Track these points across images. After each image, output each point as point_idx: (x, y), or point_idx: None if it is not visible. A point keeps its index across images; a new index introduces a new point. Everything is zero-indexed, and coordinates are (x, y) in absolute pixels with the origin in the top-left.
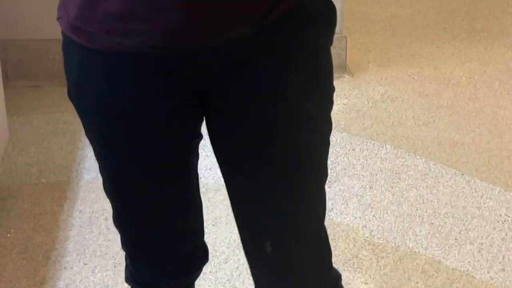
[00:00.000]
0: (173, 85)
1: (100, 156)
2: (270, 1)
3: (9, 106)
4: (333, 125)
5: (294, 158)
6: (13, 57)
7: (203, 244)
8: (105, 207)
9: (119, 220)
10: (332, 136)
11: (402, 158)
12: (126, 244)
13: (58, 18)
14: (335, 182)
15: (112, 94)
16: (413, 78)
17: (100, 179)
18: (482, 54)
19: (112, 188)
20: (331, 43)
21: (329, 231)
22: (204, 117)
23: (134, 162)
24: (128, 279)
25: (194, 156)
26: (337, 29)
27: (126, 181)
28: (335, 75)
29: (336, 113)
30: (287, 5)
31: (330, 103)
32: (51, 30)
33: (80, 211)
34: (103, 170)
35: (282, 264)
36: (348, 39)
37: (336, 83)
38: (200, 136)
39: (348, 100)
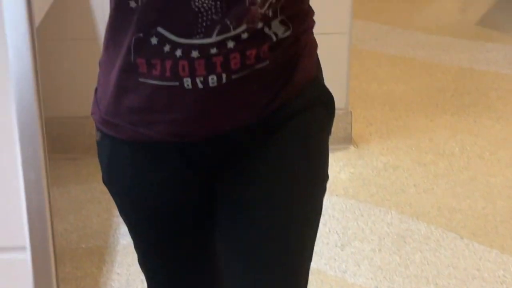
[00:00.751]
0: (189, 169)
1: (130, 235)
2: (270, 94)
3: (50, 177)
4: (343, 192)
5: (283, 244)
6: (52, 132)
7: None
8: (141, 270)
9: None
10: (342, 203)
11: (406, 223)
12: None
13: (92, 114)
14: (347, 245)
15: (135, 180)
16: (412, 149)
17: None
18: (472, 127)
19: (142, 262)
20: (329, 132)
21: None
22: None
23: (159, 243)
24: None
25: (212, 232)
26: (343, 105)
27: (153, 259)
28: (342, 146)
29: (345, 181)
30: (286, 95)
31: (322, 190)
32: (86, 108)
33: (118, 273)
34: (135, 246)
35: None
36: (359, 123)
37: (343, 153)
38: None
39: (354, 169)
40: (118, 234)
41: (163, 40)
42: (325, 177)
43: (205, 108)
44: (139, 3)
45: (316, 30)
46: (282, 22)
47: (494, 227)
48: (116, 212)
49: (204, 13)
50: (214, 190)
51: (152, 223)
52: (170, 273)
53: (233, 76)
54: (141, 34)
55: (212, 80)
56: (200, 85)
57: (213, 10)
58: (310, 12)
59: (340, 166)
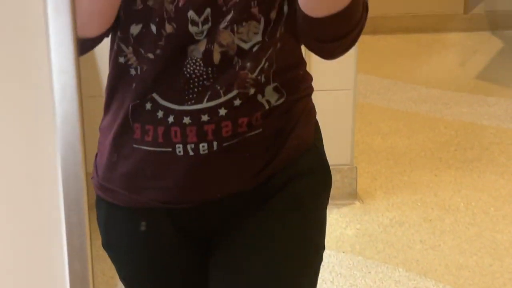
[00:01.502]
0: (180, 232)
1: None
2: (262, 162)
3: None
4: (349, 249)
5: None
6: None
7: None
8: None
9: None
10: (349, 259)
11: (414, 280)
12: None
13: (92, 178)
14: None
15: (130, 245)
16: (417, 204)
17: None
18: (476, 182)
19: None
20: (326, 202)
21: None
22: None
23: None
24: None
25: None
26: (348, 160)
27: None
28: (347, 202)
29: (351, 237)
30: (279, 164)
31: (317, 260)
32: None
33: None
34: None
35: None
36: (364, 178)
37: (348, 209)
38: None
39: (360, 225)
40: None
41: (156, 106)
42: (321, 247)
43: (196, 175)
44: (139, 71)
45: (321, 87)
46: (275, 89)
47: (502, 285)
48: None
49: (196, 79)
50: (207, 253)
51: (149, 280)
52: None
53: (225, 144)
54: (138, 101)
55: (203, 147)
56: (191, 152)
57: (204, 76)
58: (307, 78)
59: (346, 222)
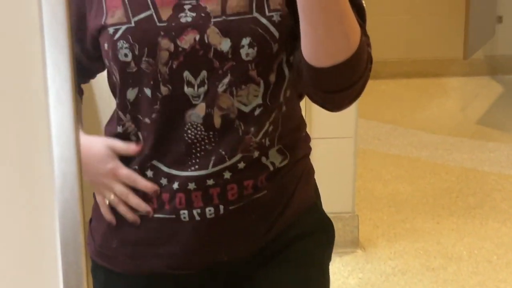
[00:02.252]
0: None
1: None
2: (268, 223)
3: None
4: None
5: None
6: None
7: None
8: None
9: None
10: None
11: None
12: None
13: (87, 244)
14: None
15: None
16: (420, 253)
17: None
18: (479, 230)
19: None
20: (329, 258)
21: None
22: None
23: None
24: None
25: None
26: (349, 208)
27: None
28: (349, 250)
29: (354, 286)
30: (284, 224)
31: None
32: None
33: None
34: None
35: None
36: (366, 226)
37: (350, 257)
38: None
39: (363, 274)
40: None
41: (158, 173)
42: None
43: (202, 239)
44: (140, 138)
45: (322, 135)
46: (279, 151)
47: None
48: None
49: (197, 144)
50: None
51: None
52: None
53: (231, 207)
54: (136, 167)
55: (210, 211)
56: (197, 217)
57: (206, 141)
58: (307, 139)
59: (349, 271)
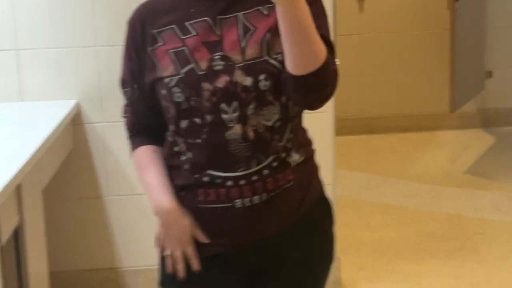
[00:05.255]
0: (235, 268)
1: None
2: (295, 205)
3: None
4: None
5: None
6: (61, 285)
7: None
8: None
9: None
10: None
11: None
12: None
13: (156, 242)
14: None
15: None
16: None
17: None
18: (457, 270)
19: None
20: (333, 230)
21: None
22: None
23: None
24: None
25: None
26: None
27: None
28: None
29: None
30: (306, 205)
31: (331, 265)
32: (91, 262)
33: None
34: None
35: None
36: (343, 259)
37: None
38: None
39: None
40: None
41: (213, 177)
42: (332, 259)
43: (251, 219)
44: (189, 156)
45: None
46: (297, 151)
47: None
48: None
49: (239, 153)
50: (254, 281)
51: None
52: None
53: (271, 194)
54: (196, 175)
55: (256, 199)
56: (247, 204)
57: (246, 149)
58: (312, 142)
59: None
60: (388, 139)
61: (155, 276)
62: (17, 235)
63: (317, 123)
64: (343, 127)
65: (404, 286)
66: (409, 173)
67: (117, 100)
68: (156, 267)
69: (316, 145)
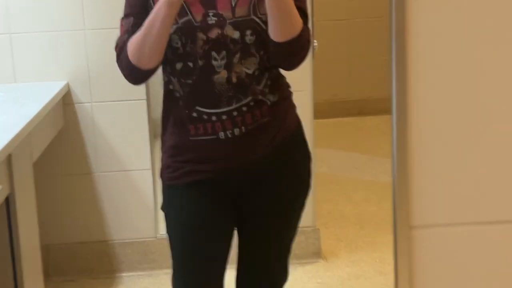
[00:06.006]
0: (221, 190)
1: (174, 242)
2: (270, 137)
3: None
4: None
5: (284, 233)
6: (53, 257)
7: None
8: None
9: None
10: None
11: None
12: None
13: (160, 176)
14: None
15: (187, 207)
16: (375, 261)
17: None
18: None
19: (184, 252)
20: (311, 157)
21: None
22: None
23: (201, 237)
24: None
25: (232, 235)
26: (310, 223)
27: (196, 246)
28: (312, 260)
29: None
30: (280, 137)
31: (307, 197)
32: (82, 235)
33: None
34: (175, 247)
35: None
36: (324, 232)
37: (312, 266)
38: (235, 222)
39: (322, 279)
40: None
41: (201, 113)
42: (308, 190)
43: (233, 149)
44: (181, 93)
45: None
46: (272, 92)
47: None
48: None
49: (223, 93)
50: (238, 207)
51: (196, 228)
52: (200, 260)
53: (249, 127)
54: (186, 111)
55: (236, 131)
56: (229, 135)
57: (228, 91)
58: (287, 85)
59: (309, 277)
60: (376, 121)
61: (144, 248)
62: (9, 206)
63: (296, 101)
64: (333, 110)
65: (381, 255)
66: (387, 148)
67: (105, 81)
68: (144, 239)
69: None
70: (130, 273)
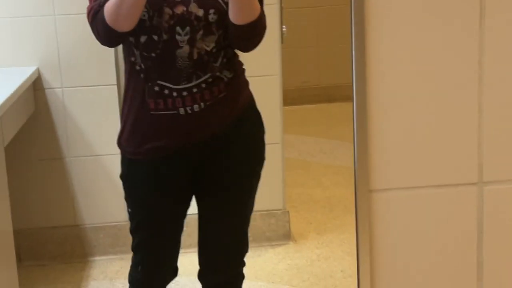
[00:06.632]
0: (181, 164)
1: (131, 209)
2: (227, 113)
3: (22, 282)
4: (278, 280)
5: (242, 203)
6: (25, 242)
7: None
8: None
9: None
10: None
11: None
12: (142, 251)
13: (118, 145)
14: None
15: (144, 178)
16: (344, 242)
17: None
18: None
19: (140, 224)
20: (264, 131)
21: None
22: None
23: (157, 209)
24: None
25: (187, 207)
26: (281, 206)
27: (152, 216)
28: (282, 242)
29: (281, 270)
30: (237, 111)
31: (262, 167)
32: (52, 220)
33: None
34: (132, 217)
35: (229, 259)
36: (294, 215)
37: (282, 248)
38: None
39: (291, 260)
40: None
41: (162, 87)
42: (263, 160)
43: (192, 124)
44: (142, 67)
45: None
46: (228, 69)
47: None
48: None
49: (184, 69)
50: (198, 181)
51: (152, 200)
52: (157, 225)
53: (207, 103)
54: (149, 84)
55: (195, 107)
56: (189, 111)
57: (189, 67)
58: (241, 62)
59: (279, 258)
60: (345, 107)
61: (116, 232)
62: None
63: (266, 86)
64: (302, 97)
65: (349, 236)
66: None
67: (76, 67)
68: (116, 223)
69: (265, 106)
70: (103, 257)
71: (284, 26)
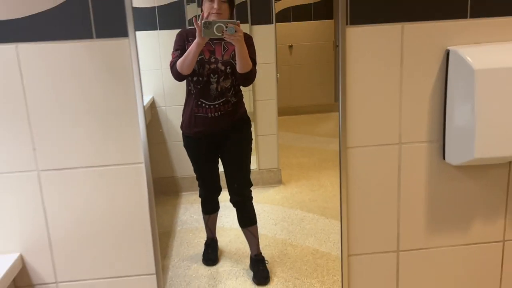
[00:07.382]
0: (209, 143)
1: (193, 162)
2: (232, 119)
3: None
4: (275, 203)
5: (242, 159)
6: None
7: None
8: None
9: (199, 176)
10: (271, 207)
11: (304, 214)
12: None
13: (180, 128)
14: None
15: (193, 146)
16: (311, 183)
17: None
18: None
19: (196, 169)
20: (251, 136)
21: None
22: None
23: (202, 162)
24: (200, 195)
25: (217, 161)
26: (276, 166)
27: (200, 166)
28: (276, 185)
29: (277, 199)
30: (237, 119)
31: (251, 143)
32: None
33: None
34: (195, 165)
35: (240, 187)
36: (283, 172)
37: (276, 188)
38: (218, 157)
39: (282, 194)
40: None
41: (202, 102)
42: (251, 141)
43: (214, 122)
44: (193, 91)
45: (263, 132)
46: (234, 96)
47: None
48: None
49: (213, 95)
50: (219, 150)
51: (200, 157)
52: (202, 169)
53: (222, 112)
54: (195, 100)
55: (216, 114)
56: (213, 115)
57: (215, 94)
58: (243, 95)
59: (275, 191)
60: (319, 116)
61: (194, 178)
62: None
63: (267, 106)
64: (291, 110)
65: (314, 182)
66: (318, 132)
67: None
68: (194, 175)
69: (265, 120)
70: (188, 192)
71: (278, 74)
